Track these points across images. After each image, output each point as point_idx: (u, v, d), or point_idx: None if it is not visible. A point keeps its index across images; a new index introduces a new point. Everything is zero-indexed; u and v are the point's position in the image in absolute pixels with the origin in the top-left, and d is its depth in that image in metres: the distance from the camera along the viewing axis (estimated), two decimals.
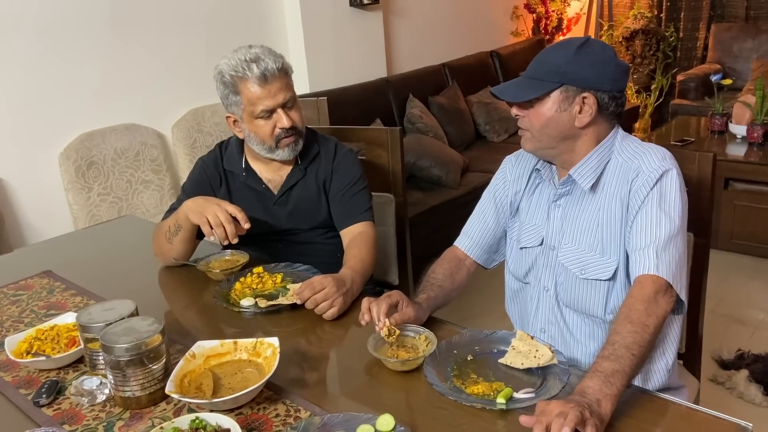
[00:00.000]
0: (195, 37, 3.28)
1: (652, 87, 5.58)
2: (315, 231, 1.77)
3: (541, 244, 1.40)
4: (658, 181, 1.24)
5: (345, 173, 1.74)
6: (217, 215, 1.50)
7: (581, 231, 1.33)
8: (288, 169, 1.74)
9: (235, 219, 1.52)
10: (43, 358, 1.25)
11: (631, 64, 5.61)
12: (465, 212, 1.92)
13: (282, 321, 1.45)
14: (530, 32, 5.47)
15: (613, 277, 1.29)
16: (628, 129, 5.12)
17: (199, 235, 1.65)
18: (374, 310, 1.27)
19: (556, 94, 1.26)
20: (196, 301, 1.59)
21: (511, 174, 1.48)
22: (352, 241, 1.66)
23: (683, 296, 1.22)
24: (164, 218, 1.72)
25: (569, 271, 1.34)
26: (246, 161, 1.75)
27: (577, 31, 5.77)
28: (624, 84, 1.30)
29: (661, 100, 5.55)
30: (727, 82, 3.81)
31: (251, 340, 1.23)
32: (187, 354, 1.19)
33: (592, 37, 5.96)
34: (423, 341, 1.25)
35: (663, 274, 1.18)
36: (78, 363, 1.29)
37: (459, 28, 4.83)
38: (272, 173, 1.75)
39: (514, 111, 1.33)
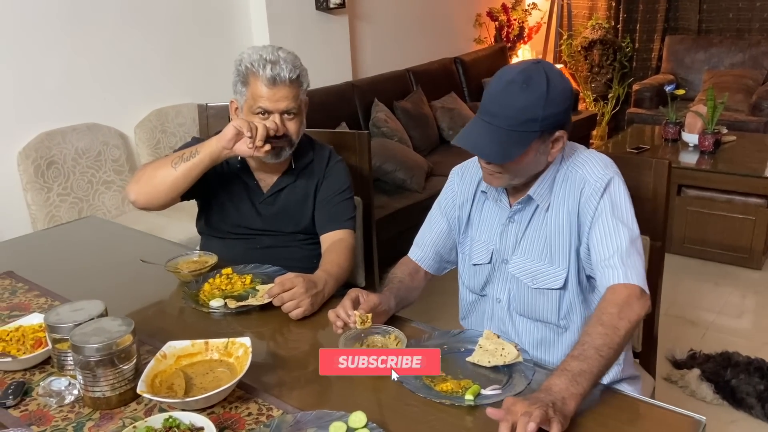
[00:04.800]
0: (159, 37, 3.25)
1: (609, 96, 5.75)
2: (295, 236, 1.79)
3: (491, 260, 1.43)
4: (605, 190, 1.28)
5: (335, 181, 1.77)
6: (257, 125, 1.55)
7: (531, 242, 1.36)
8: (281, 171, 1.77)
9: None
10: (9, 359, 1.23)
11: (589, 73, 5.77)
12: None
13: (251, 322, 1.46)
14: (492, 40, 5.57)
15: (564, 286, 1.33)
16: (586, 136, 5.31)
17: (187, 196, 1.68)
18: (341, 312, 1.29)
19: (536, 143, 1.25)
20: (163, 302, 1.59)
21: (459, 187, 1.50)
22: (331, 246, 1.68)
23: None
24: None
25: (521, 282, 1.38)
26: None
27: (537, 40, 5.91)
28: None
29: (617, 109, 5.73)
30: (680, 92, 3.96)
31: (223, 341, 1.24)
32: (157, 354, 1.19)
33: (551, 45, 6.09)
34: (393, 341, 1.27)
35: (633, 281, 1.20)
36: (44, 364, 1.27)
37: (423, 34, 4.90)
38: (264, 173, 1.77)
39: (482, 159, 1.29)
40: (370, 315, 1.27)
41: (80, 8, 2.91)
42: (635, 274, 1.22)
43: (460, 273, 1.54)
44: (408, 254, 1.57)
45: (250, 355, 1.17)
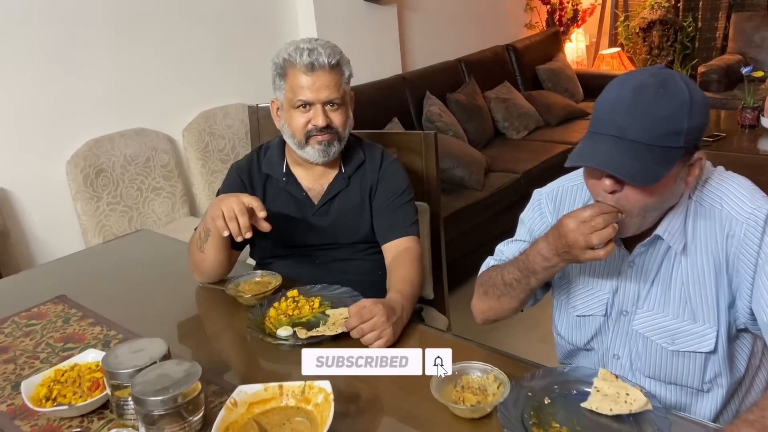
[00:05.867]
0: (204, 36, 3.13)
1: None
2: (355, 246, 1.63)
3: (606, 313, 1.20)
4: (764, 229, 1.02)
5: (391, 183, 1.61)
6: (232, 208, 1.35)
7: (663, 294, 1.12)
8: (330, 177, 1.61)
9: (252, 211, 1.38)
10: (65, 407, 1.10)
11: (648, 56, 5.46)
12: (490, 215, 1.72)
13: None
14: (544, 24, 5.31)
15: (714, 349, 1.09)
16: None
17: (236, 245, 1.54)
18: (602, 212, 1.00)
19: (678, 164, 1.00)
20: (226, 331, 1.45)
21: (553, 220, 1.22)
22: (397, 259, 1.52)
23: None
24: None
25: (651, 341, 1.15)
26: (287, 166, 1.63)
27: (591, 23, 5.62)
28: None
29: None
30: (759, 74, 3.65)
31: (299, 384, 1.09)
32: (227, 402, 1.05)
33: (606, 27, 5.76)
34: (492, 381, 1.11)
35: None
36: (103, 409, 1.15)
37: (473, 21, 4.68)
38: (313, 181, 1.62)
39: (608, 184, 0.99)
40: None
41: (126, 13, 2.80)
42: None
43: (554, 322, 1.31)
44: (484, 270, 1.30)
45: (333, 404, 1.02)
